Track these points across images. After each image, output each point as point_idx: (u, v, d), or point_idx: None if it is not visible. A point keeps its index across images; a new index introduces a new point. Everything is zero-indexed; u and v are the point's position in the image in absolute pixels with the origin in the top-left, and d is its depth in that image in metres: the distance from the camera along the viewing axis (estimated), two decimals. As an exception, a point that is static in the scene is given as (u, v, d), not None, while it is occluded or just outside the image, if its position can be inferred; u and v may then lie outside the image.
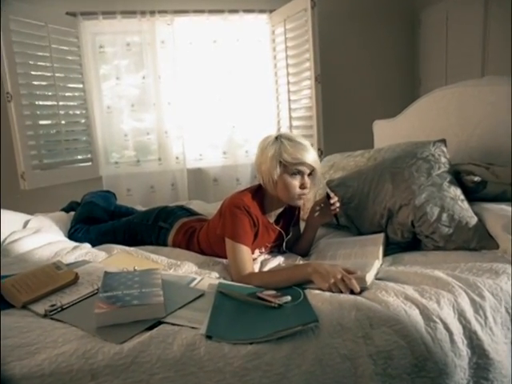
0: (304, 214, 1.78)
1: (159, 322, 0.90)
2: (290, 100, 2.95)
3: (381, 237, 1.28)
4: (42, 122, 2.69)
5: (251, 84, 3.02)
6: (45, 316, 0.97)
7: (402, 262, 1.18)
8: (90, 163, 2.95)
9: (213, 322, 0.88)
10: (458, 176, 1.31)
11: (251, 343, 0.81)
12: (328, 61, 2.84)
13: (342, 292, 0.99)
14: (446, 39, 2.95)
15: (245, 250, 1.21)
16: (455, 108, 1.74)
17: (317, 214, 1.38)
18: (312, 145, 2.90)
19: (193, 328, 0.87)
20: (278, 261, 1.34)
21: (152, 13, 2.86)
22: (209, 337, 0.83)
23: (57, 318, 0.96)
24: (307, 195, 1.32)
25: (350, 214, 1.42)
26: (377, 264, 1.11)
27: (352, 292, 0.99)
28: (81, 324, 0.91)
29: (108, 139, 2.98)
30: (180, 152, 3.05)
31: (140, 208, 2.05)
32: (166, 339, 0.83)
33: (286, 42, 2.90)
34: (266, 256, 1.39)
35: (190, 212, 1.59)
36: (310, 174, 1.28)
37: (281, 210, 1.38)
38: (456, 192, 1.24)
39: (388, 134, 2.20)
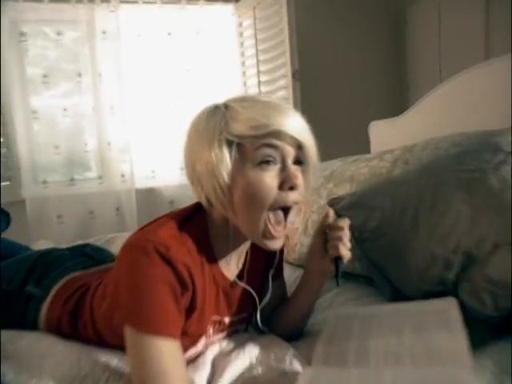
0: (289, 253, 1.11)
1: None
2: (261, 103, 2.31)
3: (453, 308, 0.61)
4: None
5: (214, 85, 2.38)
6: None
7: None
8: (7, 182, 2.18)
9: None
10: None
11: None
12: (306, 58, 2.24)
13: None
14: (439, 33, 2.44)
15: (164, 348, 0.53)
16: (489, 92, 1.14)
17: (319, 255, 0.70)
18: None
19: None
20: (248, 358, 0.64)
21: (91, -3, 2.20)
22: None
23: None
24: (301, 212, 0.68)
25: (377, 259, 0.75)
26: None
27: None
28: None
29: (33, 151, 2.22)
30: (127, 168, 2.33)
31: (43, 243, 1.31)
32: None
33: (257, 35, 2.30)
34: (224, 345, 0.70)
35: (95, 259, 0.87)
36: (297, 163, 0.63)
37: (245, 248, 0.70)
38: None
39: (391, 136, 1.60)
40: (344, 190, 0.98)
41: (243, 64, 2.47)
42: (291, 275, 1.04)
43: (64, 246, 1.69)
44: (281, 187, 0.60)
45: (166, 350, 0.53)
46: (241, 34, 2.45)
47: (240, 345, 0.69)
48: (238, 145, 0.59)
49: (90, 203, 2.33)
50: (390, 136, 1.63)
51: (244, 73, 2.48)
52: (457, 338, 0.55)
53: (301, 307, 0.76)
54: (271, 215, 0.60)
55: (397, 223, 0.72)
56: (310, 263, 0.73)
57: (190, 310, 0.60)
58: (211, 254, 0.65)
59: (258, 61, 2.32)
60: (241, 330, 0.76)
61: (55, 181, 2.30)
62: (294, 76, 2.11)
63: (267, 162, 0.59)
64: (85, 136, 2.32)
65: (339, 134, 2.28)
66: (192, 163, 0.61)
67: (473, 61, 2.02)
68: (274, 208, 0.60)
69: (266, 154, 0.59)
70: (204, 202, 0.63)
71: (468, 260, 0.63)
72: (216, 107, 0.62)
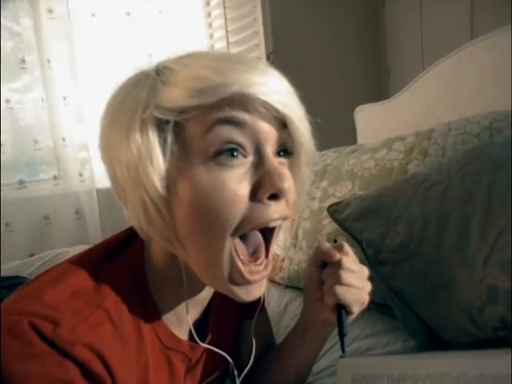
0: (275, 271, 0.88)
1: None
2: (234, 90, 2.06)
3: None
4: None
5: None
6: None
7: None
8: None
9: None
10: None
11: None
12: (281, 39, 1.99)
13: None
14: (421, 14, 2.27)
15: None
16: (484, 70, 0.94)
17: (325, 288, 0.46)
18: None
19: None
20: None
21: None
22: None
23: None
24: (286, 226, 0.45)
25: (402, 289, 0.54)
26: None
27: None
28: None
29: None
30: (85, 167, 2.04)
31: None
32: None
33: (226, 14, 2.03)
34: None
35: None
36: (282, 153, 0.38)
37: (208, 294, 0.46)
38: None
39: (381, 121, 1.39)
40: (343, 189, 0.76)
41: (213, 47, 2.20)
42: (280, 299, 0.81)
43: (17, 260, 1.41)
44: (255, 196, 0.35)
45: None
46: (208, 14, 2.18)
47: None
48: (177, 127, 0.34)
49: (45, 207, 2.02)
50: (379, 121, 1.43)
51: (214, 57, 2.22)
52: None
53: (297, 365, 0.52)
54: (240, 244, 0.36)
55: (432, 240, 0.50)
56: (306, 307, 0.49)
57: None
58: (152, 309, 0.40)
59: (228, 43, 2.06)
60: None
61: (1, 184, 1.97)
62: (268, 58, 1.88)
63: (229, 153, 0.34)
64: (34, 131, 2.00)
65: (318, 122, 2.07)
66: (110, 166, 0.37)
67: (457, 42, 1.84)
68: (244, 232, 0.35)
69: (226, 137, 0.33)
70: (137, 228, 0.38)
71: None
72: (143, 73, 0.37)
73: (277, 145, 0.37)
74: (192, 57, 0.37)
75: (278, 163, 0.36)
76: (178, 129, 0.34)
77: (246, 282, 0.36)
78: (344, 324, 0.41)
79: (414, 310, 0.53)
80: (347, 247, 0.45)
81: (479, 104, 0.94)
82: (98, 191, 2.05)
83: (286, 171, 0.36)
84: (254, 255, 0.37)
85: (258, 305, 0.54)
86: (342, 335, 0.41)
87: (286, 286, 0.85)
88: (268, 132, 0.35)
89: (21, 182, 1.99)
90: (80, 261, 0.38)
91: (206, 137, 0.33)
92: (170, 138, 0.34)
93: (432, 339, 0.53)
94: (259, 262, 0.37)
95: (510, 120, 0.63)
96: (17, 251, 1.92)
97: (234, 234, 0.35)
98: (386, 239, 0.55)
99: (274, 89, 0.35)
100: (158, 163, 0.34)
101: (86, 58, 2.00)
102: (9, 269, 1.07)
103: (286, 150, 0.38)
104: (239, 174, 0.34)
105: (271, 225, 0.36)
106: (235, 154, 0.34)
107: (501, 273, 0.44)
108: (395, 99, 1.35)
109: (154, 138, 0.34)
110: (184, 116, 0.34)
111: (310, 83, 2.15)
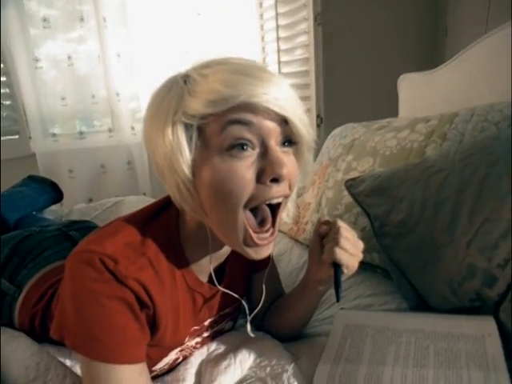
0: (299, 232, 0.99)
1: None
2: (279, 50, 2.07)
3: (493, 334, 0.48)
4: None
5: (227, 31, 2.14)
6: None
7: None
8: (16, 136, 2.10)
9: None
10: None
11: None
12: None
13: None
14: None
15: (123, 375, 0.44)
16: None
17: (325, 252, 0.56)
18: (309, 110, 2.10)
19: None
20: (240, 370, 0.57)
21: None
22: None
23: None
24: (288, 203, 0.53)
25: (399, 259, 0.62)
26: None
27: None
28: None
29: (39, 104, 2.10)
30: (137, 120, 2.19)
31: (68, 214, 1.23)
32: None
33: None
34: (212, 348, 0.62)
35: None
36: (287, 143, 0.47)
37: (227, 250, 0.58)
38: None
39: (424, 92, 1.38)
40: (365, 164, 0.83)
41: (260, 5, 2.19)
42: (300, 257, 0.93)
43: (77, 204, 1.63)
44: (260, 179, 0.45)
45: (126, 378, 0.44)
46: (257, -28, 2.14)
47: (230, 350, 0.61)
48: (199, 127, 0.44)
49: (101, 157, 2.24)
50: (422, 92, 1.41)
51: (261, 15, 2.21)
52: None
53: (298, 314, 0.65)
54: (250, 216, 0.47)
55: (428, 220, 0.58)
56: (308, 268, 0.61)
57: (154, 329, 0.50)
58: (182, 259, 0.53)
59: (276, 2, 2.04)
60: (227, 328, 0.66)
61: (64, 134, 2.19)
62: (315, 19, 1.85)
63: (240, 147, 0.44)
64: (91, 86, 2.17)
65: (365, 87, 2.03)
66: (152, 154, 0.48)
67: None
68: (252, 206, 0.46)
69: (236, 134, 0.43)
70: (174, 200, 0.49)
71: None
72: (174, 80, 0.47)
73: (281, 137, 0.46)
74: (210, 67, 0.46)
75: (282, 152, 0.46)
76: (200, 129, 0.45)
77: (256, 245, 0.47)
78: (339, 278, 0.51)
79: (407, 278, 0.62)
80: (343, 223, 0.54)
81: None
82: (148, 145, 2.23)
83: (286, 158, 0.46)
84: (261, 224, 0.48)
85: (264, 261, 0.66)
86: (336, 287, 0.51)
87: (307, 246, 0.95)
88: (271, 128, 0.45)
89: (81, 133, 2.20)
90: (129, 220, 0.51)
91: (221, 135, 0.43)
92: (194, 136, 0.45)
93: (420, 304, 0.62)
94: (266, 228, 0.48)
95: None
96: (77, 195, 2.18)
97: (244, 208, 0.46)
98: (390, 215, 0.62)
99: (274, 96, 0.43)
100: (185, 155, 0.44)
101: (139, 17, 2.08)
102: (77, 210, 1.27)
103: (290, 140, 0.47)
104: (247, 163, 0.44)
105: (273, 202, 0.46)
106: (245, 147, 0.44)
107: (479, 254, 0.51)
108: (439, 70, 1.32)
109: (182, 135, 0.44)
110: (203, 121, 0.44)
111: (359, 45, 2.10)
